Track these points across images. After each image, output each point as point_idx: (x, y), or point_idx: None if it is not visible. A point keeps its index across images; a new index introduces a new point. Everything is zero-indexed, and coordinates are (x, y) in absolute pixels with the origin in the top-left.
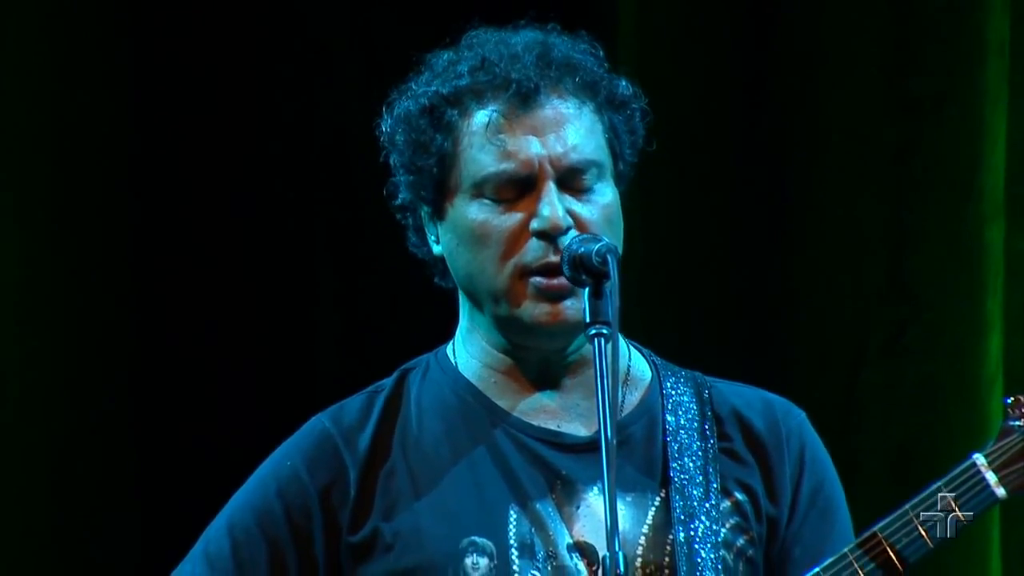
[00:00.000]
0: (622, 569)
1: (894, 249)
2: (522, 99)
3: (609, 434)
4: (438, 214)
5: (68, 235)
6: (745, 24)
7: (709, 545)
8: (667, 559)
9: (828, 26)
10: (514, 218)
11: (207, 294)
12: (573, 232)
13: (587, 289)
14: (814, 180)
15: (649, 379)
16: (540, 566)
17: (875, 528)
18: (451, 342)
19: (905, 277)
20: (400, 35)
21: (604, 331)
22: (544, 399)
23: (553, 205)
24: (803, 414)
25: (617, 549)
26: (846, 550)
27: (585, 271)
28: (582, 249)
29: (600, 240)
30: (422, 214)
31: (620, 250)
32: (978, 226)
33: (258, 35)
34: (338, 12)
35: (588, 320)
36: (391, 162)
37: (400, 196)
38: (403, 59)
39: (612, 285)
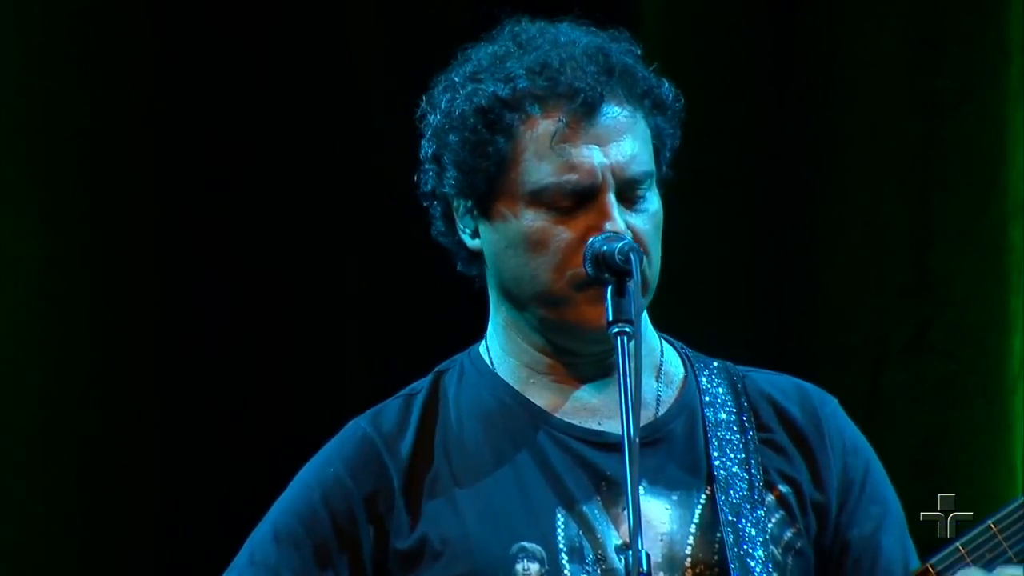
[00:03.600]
0: (645, 567)
1: (917, 247)
2: (587, 110)
3: (632, 431)
4: (483, 211)
5: (92, 233)
6: (768, 21)
7: (758, 542)
8: (716, 557)
9: (851, 24)
10: (572, 229)
11: (231, 293)
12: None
13: (610, 287)
14: (837, 178)
15: (683, 374)
16: (590, 569)
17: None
18: (483, 341)
19: (928, 275)
20: (427, 28)
21: (627, 329)
22: (583, 397)
23: (615, 220)
24: (835, 400)
25: (640, 547)
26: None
27: (608, 269)
28: (605, 248)
29: (623, 239)
30: (457, 205)
31: (659, 255)
32: (1001, 224)
33: (282, 32)
34: (364, 5)
35: (611, 318)
36: (429, 153)
37: (432, 185)
38: (428, 54)
39: (635, 284)
